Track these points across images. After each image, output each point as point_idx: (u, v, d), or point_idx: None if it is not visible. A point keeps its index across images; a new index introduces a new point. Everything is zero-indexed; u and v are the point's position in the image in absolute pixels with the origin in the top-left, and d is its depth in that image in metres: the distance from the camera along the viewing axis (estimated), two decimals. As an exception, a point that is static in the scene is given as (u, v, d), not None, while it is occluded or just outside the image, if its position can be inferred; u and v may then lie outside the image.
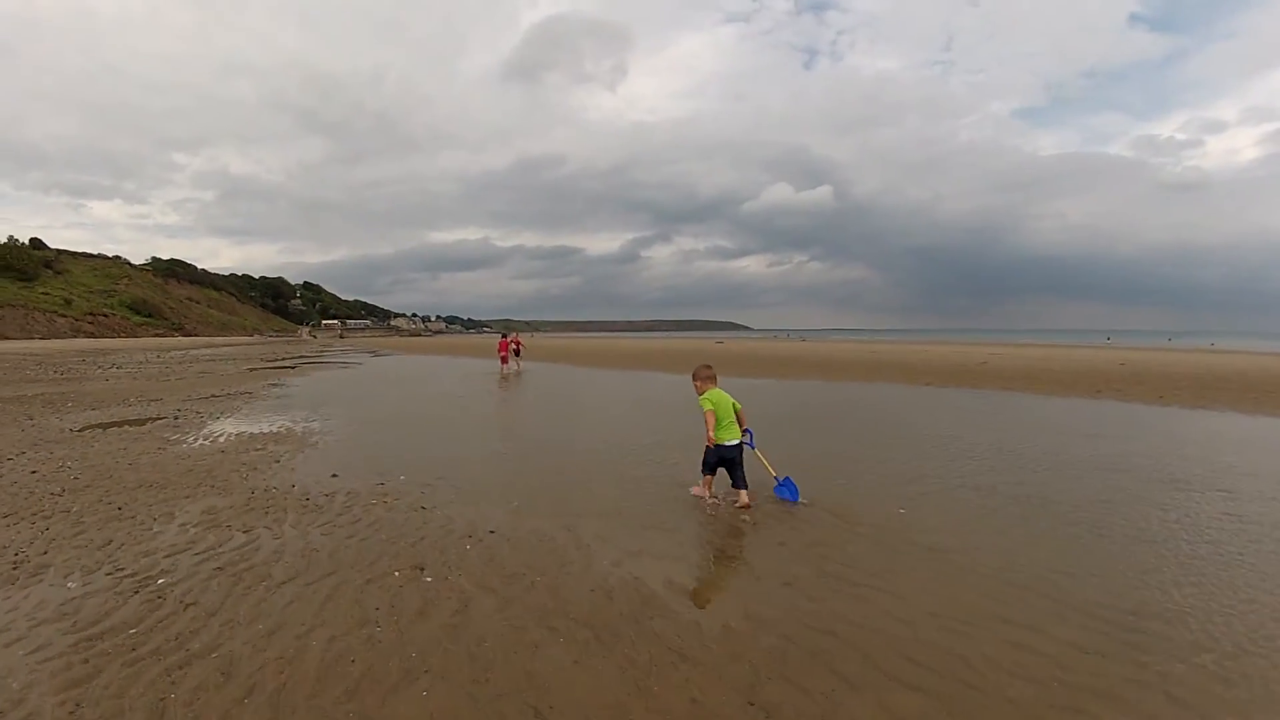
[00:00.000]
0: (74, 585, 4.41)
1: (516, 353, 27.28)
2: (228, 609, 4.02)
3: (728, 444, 6.21)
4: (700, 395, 6.41)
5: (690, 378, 6.79)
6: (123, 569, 4.69)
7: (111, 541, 5.30)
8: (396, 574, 4.59)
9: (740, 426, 6.38)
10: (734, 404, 6.38)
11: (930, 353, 37.79)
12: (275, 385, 20.36)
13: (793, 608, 4.11)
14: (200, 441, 9.97)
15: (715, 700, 3.10)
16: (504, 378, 23.50)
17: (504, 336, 27.42)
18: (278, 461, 8.46)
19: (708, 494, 6.45)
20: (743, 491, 6.25)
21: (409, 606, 4.06)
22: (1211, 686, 3.26)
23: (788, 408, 14.88)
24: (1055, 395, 16.68)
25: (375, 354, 51.68)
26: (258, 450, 9.18)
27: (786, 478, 6.56)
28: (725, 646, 3.60)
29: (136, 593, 4.27)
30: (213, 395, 17.10)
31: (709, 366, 6.62)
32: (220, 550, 5.08)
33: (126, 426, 11.58)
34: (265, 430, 10.96)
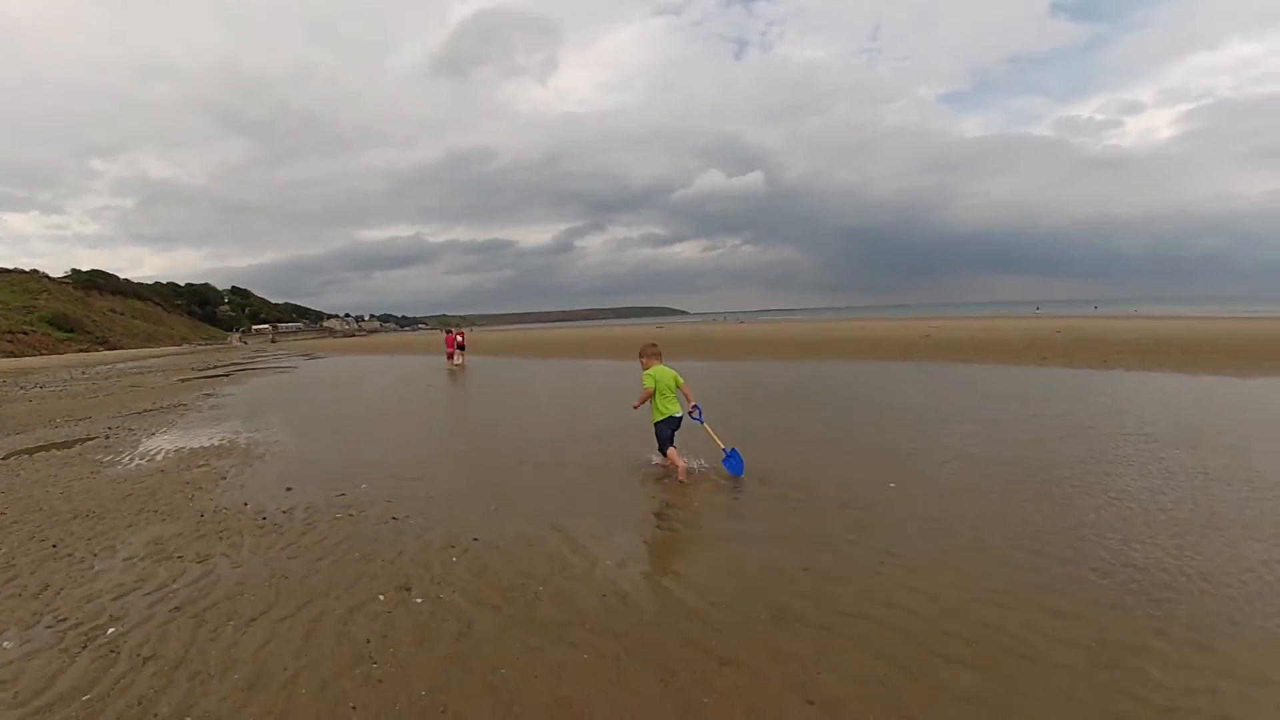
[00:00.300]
0: (10, 645, 3.84)
1: (461, 347, 26.85)
2: (194, 659, 3.52)
3: (675, 416, 6.64)
4: (644, 371, 6.75)
5: (638, 355, 7.04)
6: (65, 619, 4.13)
7: (49, 586, 4.70)
8: (381, 597, 4.17)
9: (688, 401, 6.81)
10: (676, 379, 6.74)
11: (872, 328, 38.50)
12: (210, 395, 19.21)
13: (819, 593, 3.91)
14: (137, 461, 9.19)
15: (772, 705, 2.87)
16: (450, 372, 23.01)
17: (448, 331, 27.62)
18: (224, 478, 7.81)
19: (680, 464, 6.51)
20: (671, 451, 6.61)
21: (404, 635, 3.66)
22: (1223, 627, 3.40)
23: (743, 388, 14.81)
24: (1006, 364, 17.14)
25: (310, 357, 49.71)
26: (200, 467, 8.49)
27: (733, 449, 6.59)
28: (763, 644, 3.36)
29: (85, 647, 3.74)
30: (144, 410, 15.99)
31: (654, 345, 6.98)
32: (174, 586, 4.55)
33: (54, 450, 10.63)
34: (206, 444, 10.19)
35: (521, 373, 21.76)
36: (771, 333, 39.85)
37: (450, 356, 25.69)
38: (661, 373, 6.67)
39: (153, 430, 12.27)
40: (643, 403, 6.69)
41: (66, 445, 11.02)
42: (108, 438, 11.68)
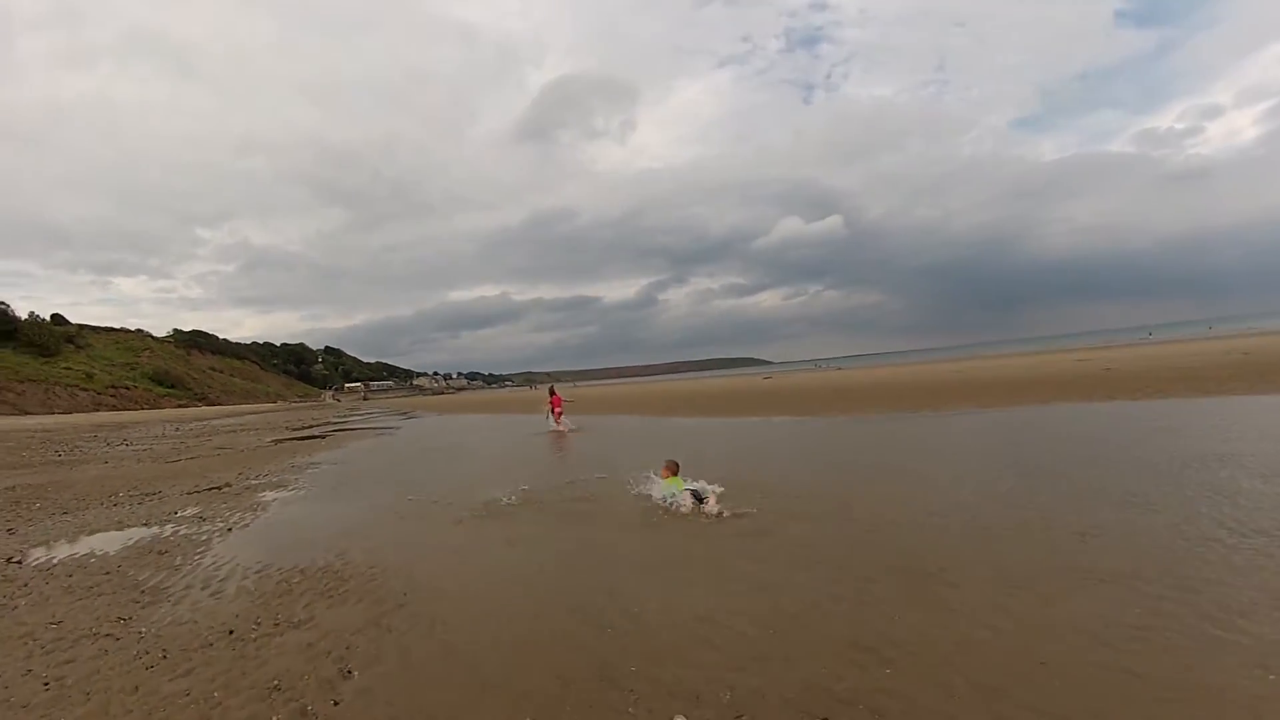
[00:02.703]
0: None
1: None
2: None
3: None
4: (663, 479, 8.21)
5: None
6: None
7: None
8: None
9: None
10: (680, 486, 7.88)
11: (1010, 366, 33.96)
12: (306, 466, 15.99)
13: None
14: (197, 596, 5.56)
15: None
16: (561, 435, 19.91)
17: (552, 391, 23.67)
18: (347, 667, 4.00)
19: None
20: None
21: None
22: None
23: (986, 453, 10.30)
24: (1235, 394, 15.10)
25: (407, 415, 47.50)
26: (305, 619, 4.74)
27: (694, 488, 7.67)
28: None
29: None
30: (225, 486, 12.76)
31: (674, 461, 8.44)
32: None
33: (90, 559, 7.21)
34: (309, 561, 6.48)
35: (664, 434, 17.57)
36: (892, 378, 35.18)
37: (557, 418, 22.02)
38: (672, 484, 8.01)
39: (230, 523, 8.78)
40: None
41: (104, 554, 7.48)
42: (167, 532, 8.24)
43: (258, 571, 6.13)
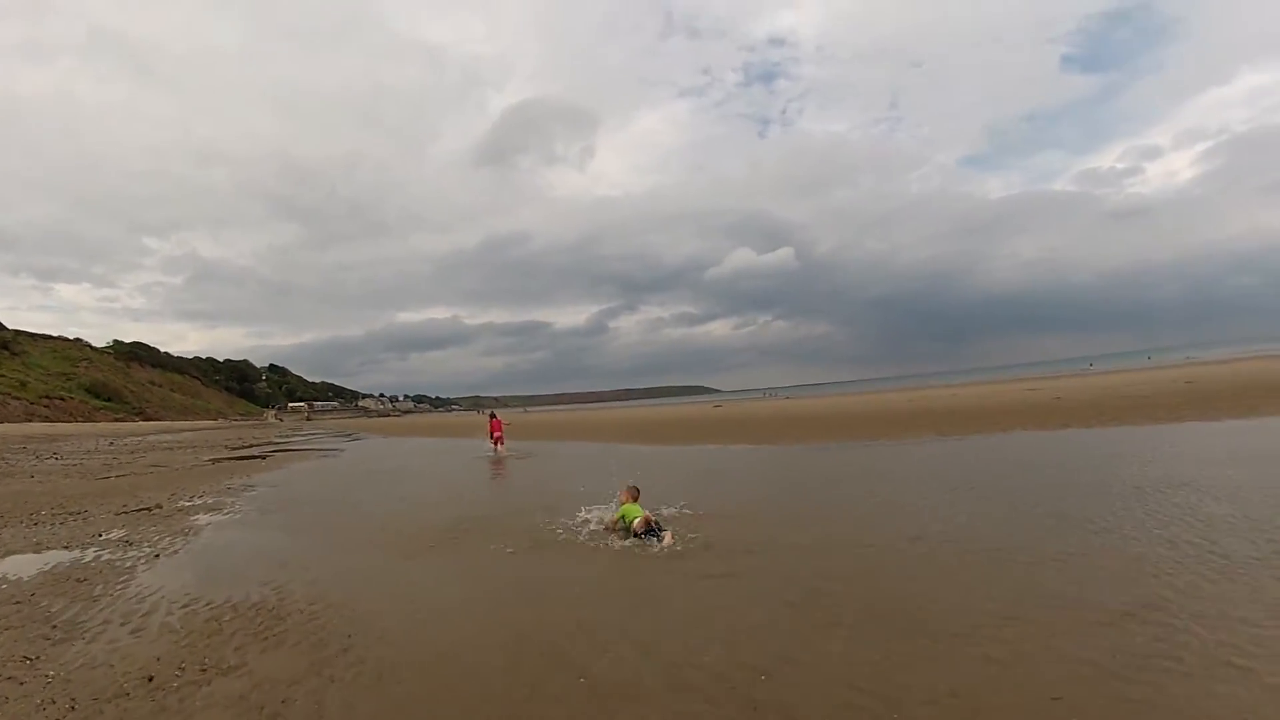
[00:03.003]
0: None
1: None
2: None
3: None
4: (621, 504, 8.02)
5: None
6: None
7: None
8: None
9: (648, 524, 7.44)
10: (638, 513, 7.57)
11: (963, 395, 35.21)
12: (242, 488, 15.22)
13: None
14: (118, 629, 5.08)
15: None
16: (501, 461, 20.01)
17: (493, 416, 24.54)
18: (287, 713, 3.64)
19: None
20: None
21: None
22: None
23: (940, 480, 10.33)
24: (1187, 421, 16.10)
25: (351, 437, 46.04)
26: (236, 665, 4.32)
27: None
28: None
29: None
30: (155, 507, 12.00)
31: (635, 487, 8.28)
32: None
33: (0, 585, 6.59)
34: (243, 595, 6.00)
35: (612, 463, 17.27)
36: (837, 407, 36.25)
37: (497, 442, 22.30)
38: (628, 510, 7.78)
39: (159, 549, 8.19)
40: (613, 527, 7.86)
41: (15, 580, 6.85)
42: (89, 557, 7.63)
43: (185, 606, 5.64)
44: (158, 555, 7.84)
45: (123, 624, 5.21)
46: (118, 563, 7.49)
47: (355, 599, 5.61)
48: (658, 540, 7.27)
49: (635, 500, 8.07)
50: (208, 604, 5.64)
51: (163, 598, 5.91)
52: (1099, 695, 3.38)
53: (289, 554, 7.65)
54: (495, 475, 16.48)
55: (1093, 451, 12.39)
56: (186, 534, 9.20)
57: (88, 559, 7.67)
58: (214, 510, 11.50)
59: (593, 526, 8.16)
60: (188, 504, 12.41)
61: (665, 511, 8.43)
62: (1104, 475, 9.53)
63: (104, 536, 9.11)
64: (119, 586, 6.39)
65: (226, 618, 5.23)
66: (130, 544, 8.56)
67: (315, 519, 10.40)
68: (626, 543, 7.34)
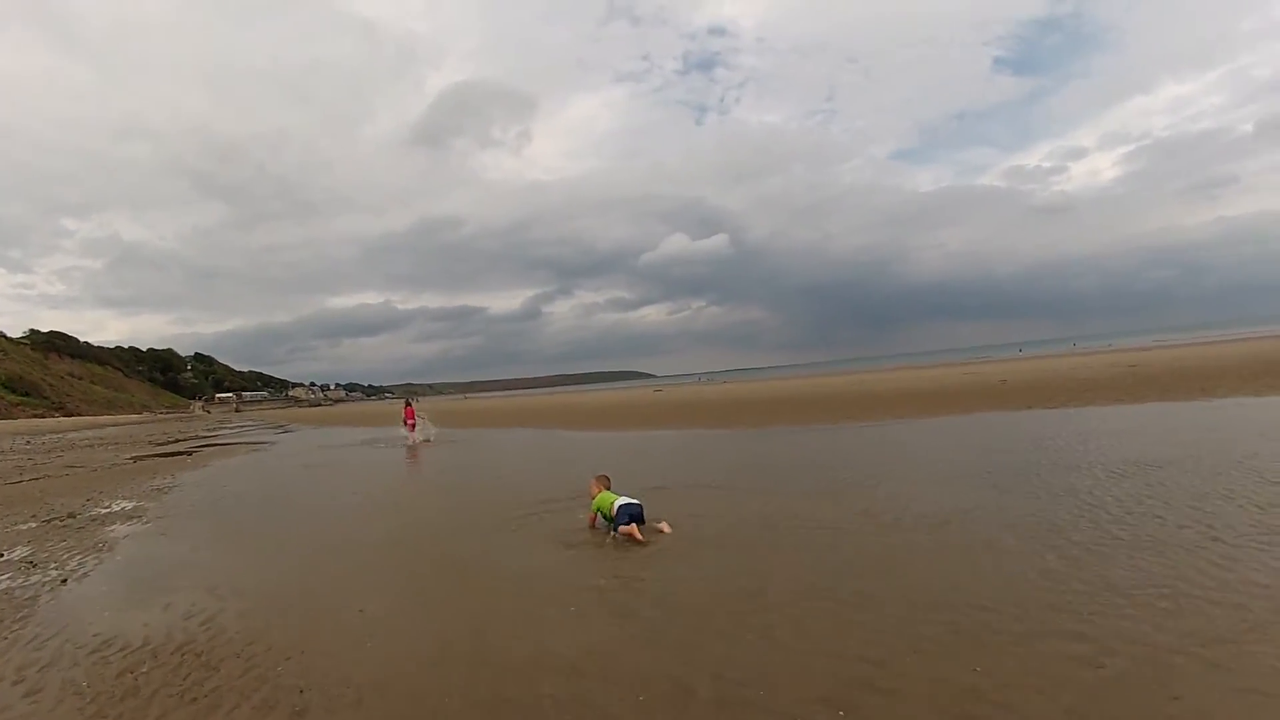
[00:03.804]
0: None
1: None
2: None
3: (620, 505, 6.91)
4: (593, 496, 7.38)
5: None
6: None
7: None
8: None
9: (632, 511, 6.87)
10: (614, 501, 7.02)
11: (906, 378, 35.77)
12: (172, 488, 13.94)
13: None
14: (7, 691, 4.17)
15: None
16: (413, 449, 20.58)
17: (408, 404, 25.58)
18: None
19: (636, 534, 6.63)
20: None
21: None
22: None
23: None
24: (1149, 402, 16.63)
25: (283, 429, 43.88)
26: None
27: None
28: None
29: None
30: (69, 515, 10.76)
31: (605, 476, 7.60)
32: None
33: None
34: (165, 632, 5.08)
35: (565, 450, 16.51)
36: (781, 391, 36.71)
37: (411, 429, 23.31)
38: (603, 499, 7.17)
39: (67, 570, 7.13)
40: (593, 524, 7.32)
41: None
42: (-21, 590, 6.54)
43: (95, 652, 4.71)
44: (65, 580, 6.79)
45: (15, 683, 4.27)
46: (17, 592, 6.44)
47: (303, 636, 4.78)
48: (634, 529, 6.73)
49: (609, 488, 7.47)
50: (122, 649, 4.72)
51: (67, 641, 4.95)
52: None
53: (219, 573, 6.71)
54: (419, 465, 16.69)
55: (1075, 430, 12.17)
56: (101, 550, 8.11)
57: (-22, 591, 6.58)
58: (133, 518, 10.34)
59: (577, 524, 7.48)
60: (104, 511, 11.18)
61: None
62: (1103, 453, 9.25)
63: (3, 557, 7.96)
64: (15, 627, 5.39)
65: (145, 669, 4.34)
66: (34, 565, 7.47)
67: (247, 526, 9.41)
68: (610, 539, 6.85)
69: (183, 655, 4.51)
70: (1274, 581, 4.43)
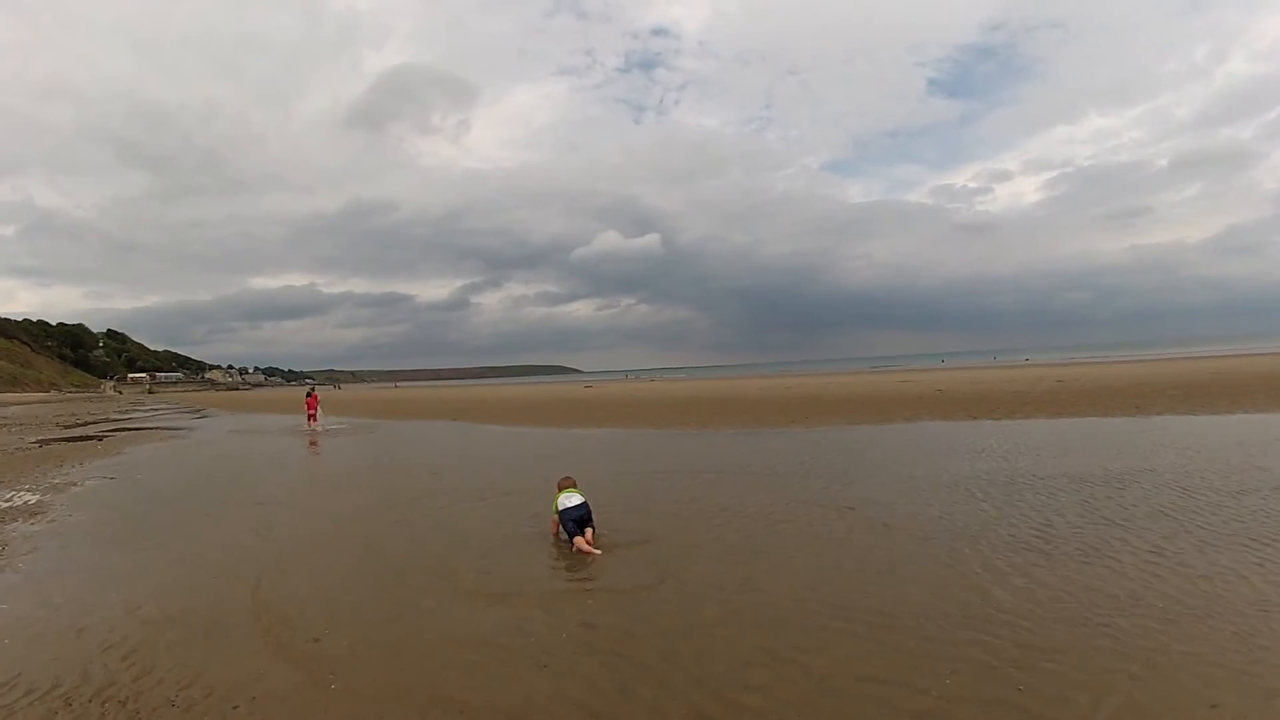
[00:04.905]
0: None
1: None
2: None
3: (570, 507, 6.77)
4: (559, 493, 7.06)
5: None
6: None
7: None
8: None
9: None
10: (558, 500, 6.93)
11: (843, 383, 36.99)
12: (82, 479, 12.59)
13: None
14: None
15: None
16: (313, 438, 20.82)
17: (310, 393, 25.35)
18: None
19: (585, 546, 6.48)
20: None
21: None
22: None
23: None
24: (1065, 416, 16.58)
25: (199, 413, 41.42)
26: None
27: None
28: None
29: None
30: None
31: (569, 478, 7.26)
32: None
33: None
34: (80, 670, 4.24)
35: (503, 447, 15.76)
36: (719, 391, 37.42)
37: (311, 419, 23.55)
38: (557, 500, 6.98)
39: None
40: (556, 534, 6.98)
41: None
42: None
43: (-10, 696, 3.85)
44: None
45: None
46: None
47: (251, 675, 4.02)
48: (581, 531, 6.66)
49: (575, 487, 7.13)
50: (27, 692, 3.86)
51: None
52: None
53: (140, 588, 5.81)
54: (315, 453, 16.87)
55: (1034, 439, 12.03)
56: (-4, 561, 7.02)
57: None
58: (36, 515, 9.18)
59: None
60: (3, 506, 9.91)
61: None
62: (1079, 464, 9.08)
63: None
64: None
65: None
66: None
67: (167, 526, 8.43)
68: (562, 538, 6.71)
69: (104, 704, 3.70)
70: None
